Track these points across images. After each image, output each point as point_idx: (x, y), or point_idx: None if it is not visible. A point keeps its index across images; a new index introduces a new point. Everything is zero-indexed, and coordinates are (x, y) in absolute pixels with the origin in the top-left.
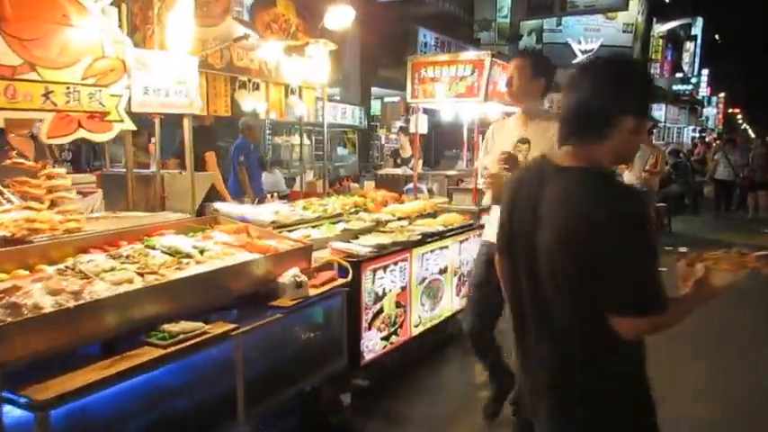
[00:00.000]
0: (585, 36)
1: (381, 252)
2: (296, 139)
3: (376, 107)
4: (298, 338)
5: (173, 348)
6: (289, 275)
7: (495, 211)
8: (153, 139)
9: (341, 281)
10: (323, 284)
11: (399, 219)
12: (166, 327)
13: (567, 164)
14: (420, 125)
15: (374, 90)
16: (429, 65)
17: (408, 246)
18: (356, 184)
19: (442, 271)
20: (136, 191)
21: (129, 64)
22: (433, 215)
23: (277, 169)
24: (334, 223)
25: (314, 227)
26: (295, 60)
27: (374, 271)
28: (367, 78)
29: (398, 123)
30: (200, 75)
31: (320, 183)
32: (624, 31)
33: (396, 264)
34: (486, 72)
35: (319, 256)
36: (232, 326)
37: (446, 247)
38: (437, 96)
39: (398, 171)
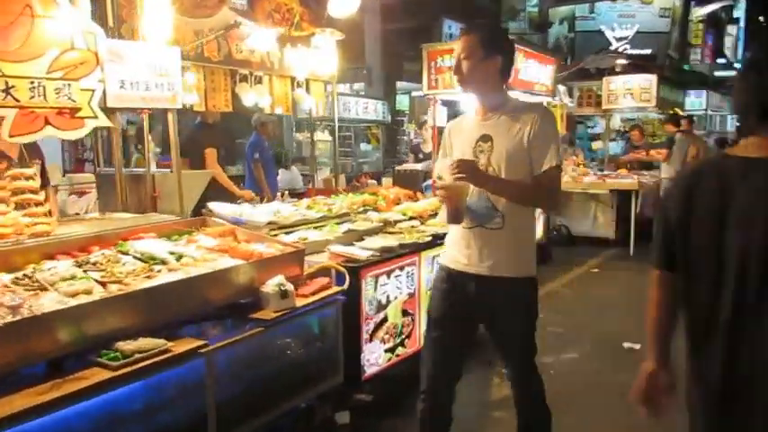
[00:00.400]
0: (620, 22)
1: (385, 256)
2: (318, 135)
3: (404, 102)
4: (286, 353)
5: (124, 370)
6: (272, 284)
7: (455, 232)
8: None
9: (336, 289)
10: (314, 293)
11: (411, 218)
12: (121, 345)
13: (758, 155)
14: (438, 118)
15: (401, 84)
16: (446, 53)
17: (416, 248)
18: (373, 181)
19: None
20: (130, 191)
21: (102, 56)
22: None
23: (294, 166)
24: (339, 224)
25: (316, 227)
26: (301, 52)
27: (376, 277)
28: (391, 72)
29: (425, 118)
30: (198, 68)
31: (340, 178)
32: (661, 16)
33: (402, 268)
34: None
35: (316, 261)
36: (200, 342)
37: None
38: (453, 86)
39: (418, 167)
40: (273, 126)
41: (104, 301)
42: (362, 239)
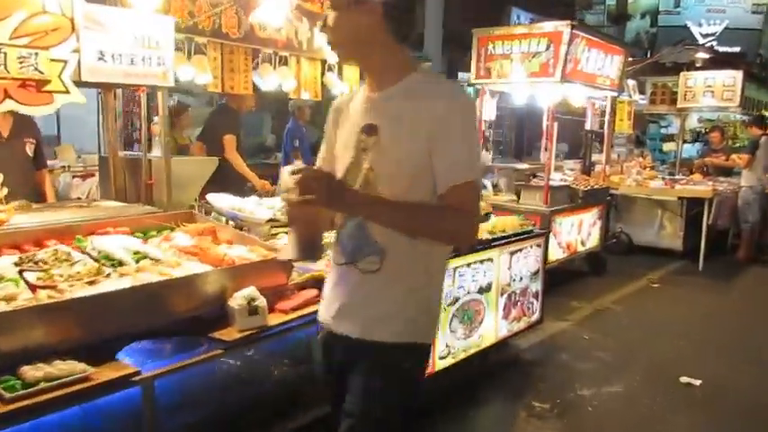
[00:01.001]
0: (708, 18)
1: None
2: None
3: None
4: (263, 376)
5: (19, 404)
6: (240, 297)
7: (331, 269)
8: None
9: None
10: (298, 308)
11: None
12: (26, 370)
13: None
14: (486, 110)
15: (464, 76)
16: (497, 39)
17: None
18: None
19: (483, 289)
20: (129, 177)
21: (79, 23)
22: (486, 216)
23: None
24: None
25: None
26: None
27: None
28: (453, 63)
29: None
30: (214, 46)
31: None
32: (754, 12)
33: None
34: (563, 47)
35: (315, 269)
36: (132, 369)
37: (489, 259)
38: (507, 76)
39: None
40: (310, 111)
41: (12, 314)
42: None
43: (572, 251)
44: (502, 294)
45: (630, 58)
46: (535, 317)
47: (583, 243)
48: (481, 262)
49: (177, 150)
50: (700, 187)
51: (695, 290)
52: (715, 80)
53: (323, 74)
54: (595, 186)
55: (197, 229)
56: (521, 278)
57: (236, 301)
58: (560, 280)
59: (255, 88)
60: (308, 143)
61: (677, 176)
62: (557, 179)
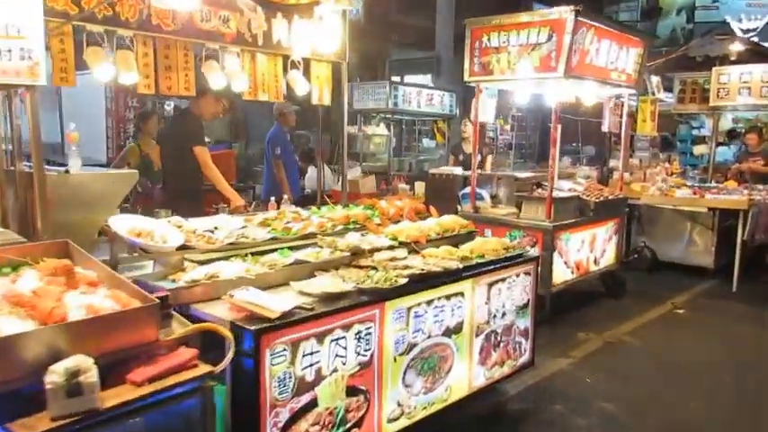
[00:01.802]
0: (748, 12)
1: (317, 311)
2: (375, 129)
3: None
4: None
5: None
6: (58, 371)
7: None
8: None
9: (203, 369)
10: (160, 376)
11: (400, 244)
12: None
13: None
14: (484, 111)
15: None
16: (492, 30)
17: (378, 296)
18: (404, 186)
19: (452, 331)
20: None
21: None
22: (468, 236)
23: (326, 164)
24: (295, 249)
25: (257, 253)
26: (299, 25)
27: (294, 343)
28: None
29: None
30: (143, 40)
31: (368, 180)
32: None
33: (347, 328)
34: (567, 37)
35: (209, 316)
36: None
37: (459, 293)
38: (504, 72)
39: (457, 170)
40: (295, 117)
41: None
42: (313, 276)
43: (582, 271)
44: (478, 335)
45: (663, 49)
46: (524, 359)
47: (596, 262)
48: (447, 297)
49: (140, 159)
50: (733, 197)
51: (728, 318)
52: (752, 75)
53: (285, 71)
54: (610, 197)
55: (50, 268)
56: (503, 314)
57: (52, 376)
58: (567, 305)
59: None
60: (290, 151)
61: (709, 184)
62: (565, 189)
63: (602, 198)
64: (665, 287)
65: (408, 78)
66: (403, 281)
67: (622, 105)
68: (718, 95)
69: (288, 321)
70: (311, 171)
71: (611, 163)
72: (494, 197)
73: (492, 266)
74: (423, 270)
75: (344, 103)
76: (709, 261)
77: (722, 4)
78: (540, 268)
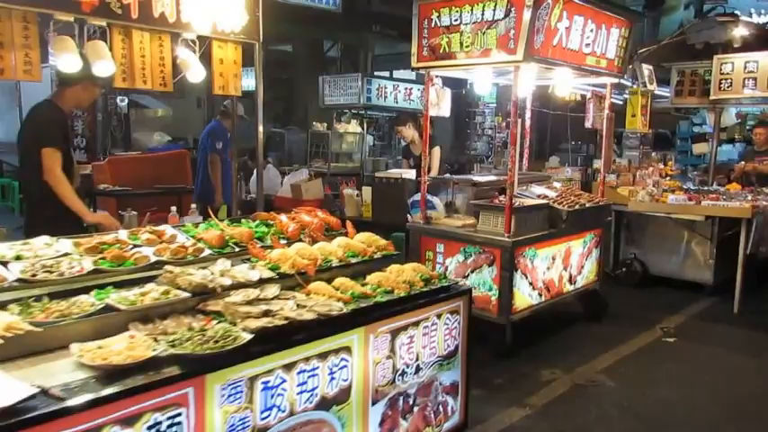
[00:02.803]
0: (758, 7)
1: (69, 402)
2: (348, 127)
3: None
4: None
5: None
6: None
7: None
8: None
9: None
10: None
11: (282, 276)
12: None
13: None
14: (439, 105)
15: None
16: (443, 5)
17: (191, 367)
18: (350, 191)
19: (332, 401)
20: None
21: None
22: (386, 260)
23: (272, 165)
24: (126, 284)
25: (64, 294)
26: None
27: None
28: None
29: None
30: None
31: (313, 185)
32: None
33: (129, 424)
34: (528, 11)
35: None
36: None
37: (344, 348)
38: (456, 56)
39: (408, 174)
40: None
41: None
42: (127, 329)
43: (554, 292)
44: (376, 401)
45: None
46: (452, 423)
47: (572, 280)
48: (323, 356)
49: None
50: (734, 203)
51: (727, 348)
52: (758, 64)
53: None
54: (588, 204)
55: None
56: (417, 368)
57: None
58: (534, 335)
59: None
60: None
61: (709, 187)
62: (534, 195)
63: (577, 206)
64: (656, 307)
65: (398, 74)
66: (243, 339)
67: (604, 97)
68: (719, 87)
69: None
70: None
71: (597, 163)
72: (449, 205)
73: (398, 307)
74: (285, 319)
75: (260, 92)
76: (708, 276)
77: None
78: (501, 290)
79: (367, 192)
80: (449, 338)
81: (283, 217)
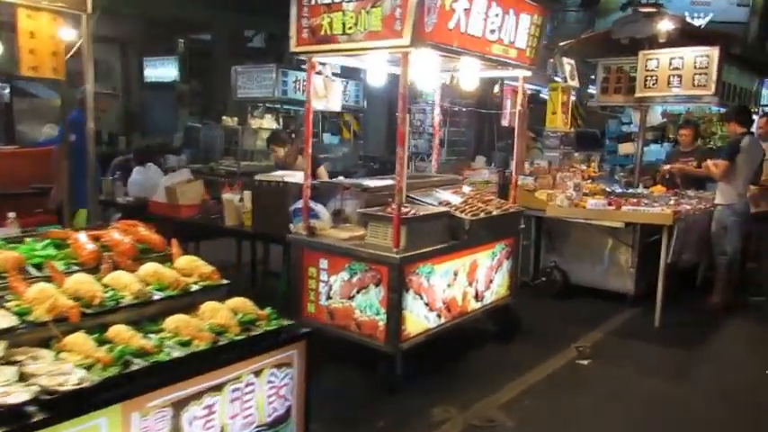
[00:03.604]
0: (692, 11)
1: None
2: (262, 122)
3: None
4: None
5: None
6: None
7: None
8: None
9: None
10: None
11: (33, 325)
12: None
13: None
14: (327, 97)
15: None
16: None
17: None
18: (230, 197)
19: None
20: None
21: None
22: (206, 293)
23: (152, 163)
24: None
25: None
26: None
27: None
28: None
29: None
30: None
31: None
32: (739, 5)
33: None
34: None
35: None
36: None
37: None
38: (339, 39)
39: (293, 177)
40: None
41: None
42: None
43: (457, 312)
44: None
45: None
46: None
47: (478, 297)
48: None
49: None
50: (654, 209)
51: (644, 371)
52: (684, 60)
53: None
54: (495, 212)
55: None
56: None
57: None
58: (431, 363)
59: None
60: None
61: (634, 189)
62: (435, 203)
63: (482, 214)
64: (574, 320)
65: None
66: None
67: (517, 92)
68: (645, 85)
69: None
70: (138, 173)
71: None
72: (337, 213)
73: (190, 367)
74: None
75: (89, 74)
76: (630, 286)
77: (668, 1)
78: (388, 314)
79: (248, 197)
80: (275, 400)
81: (81, 236)
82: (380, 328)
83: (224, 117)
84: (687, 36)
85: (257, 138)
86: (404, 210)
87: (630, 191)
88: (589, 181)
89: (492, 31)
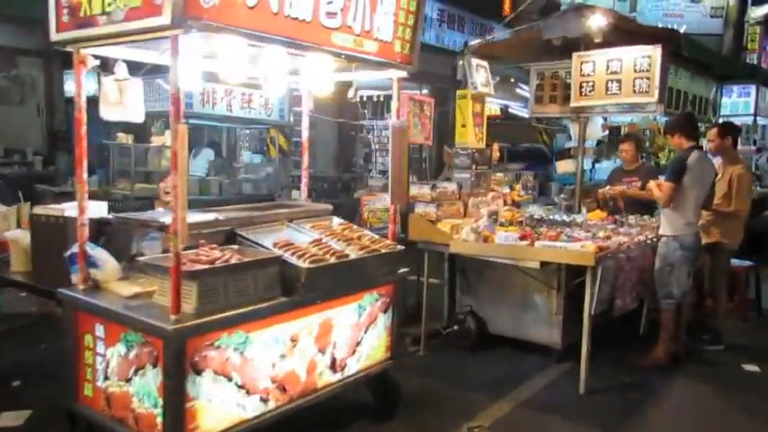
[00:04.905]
0: (665, 22)
1: None
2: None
3: None
4: None
5: None
6: None
7: None
8: None
9: None
10: None
11: None
12: None
13: None
14: (123, 103)
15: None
16: None
17: None
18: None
19: None
20: None
21: None
22: None
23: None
24: None
25: None
26: None
27: None
28: None
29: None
30: None
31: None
32: (713, 17)
33: None
34: None
35: None
36: None
37: None
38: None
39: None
40: None
41: None
42: None
43: (298, 392)
44: None
45: None
46: None
47: (336, 367)
48: None
49: None
50: (573, 245)
51: None
52: (622, 63)
53: None
54: (356, 255)
55: None
56: None
57: None
58: None
59: None
60: None
61: (575, 215)
62: (268, 245)
63: (332, 258)
64: (483, 385)
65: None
66: None
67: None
68: (581, 92)
69: None
70: None
71: (417, 189)
72: (133, 260)
73: None
74: None
75: None
76: (555, 337)
77: (639, 13)
78: (165, 407)
79: (26, 237)
80: None
81: None
82: (158, 427)
83: (118, 134)
84: (627, 35)
85: (162, 157)
86: (208, 256)
87: (563, 218)
88: (507, 207)
89: (330, 15)
